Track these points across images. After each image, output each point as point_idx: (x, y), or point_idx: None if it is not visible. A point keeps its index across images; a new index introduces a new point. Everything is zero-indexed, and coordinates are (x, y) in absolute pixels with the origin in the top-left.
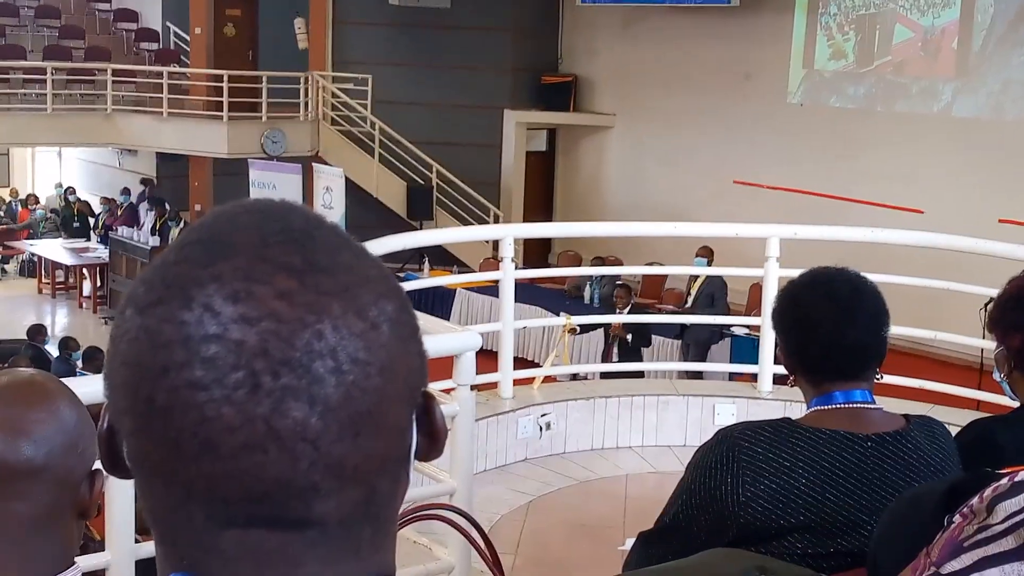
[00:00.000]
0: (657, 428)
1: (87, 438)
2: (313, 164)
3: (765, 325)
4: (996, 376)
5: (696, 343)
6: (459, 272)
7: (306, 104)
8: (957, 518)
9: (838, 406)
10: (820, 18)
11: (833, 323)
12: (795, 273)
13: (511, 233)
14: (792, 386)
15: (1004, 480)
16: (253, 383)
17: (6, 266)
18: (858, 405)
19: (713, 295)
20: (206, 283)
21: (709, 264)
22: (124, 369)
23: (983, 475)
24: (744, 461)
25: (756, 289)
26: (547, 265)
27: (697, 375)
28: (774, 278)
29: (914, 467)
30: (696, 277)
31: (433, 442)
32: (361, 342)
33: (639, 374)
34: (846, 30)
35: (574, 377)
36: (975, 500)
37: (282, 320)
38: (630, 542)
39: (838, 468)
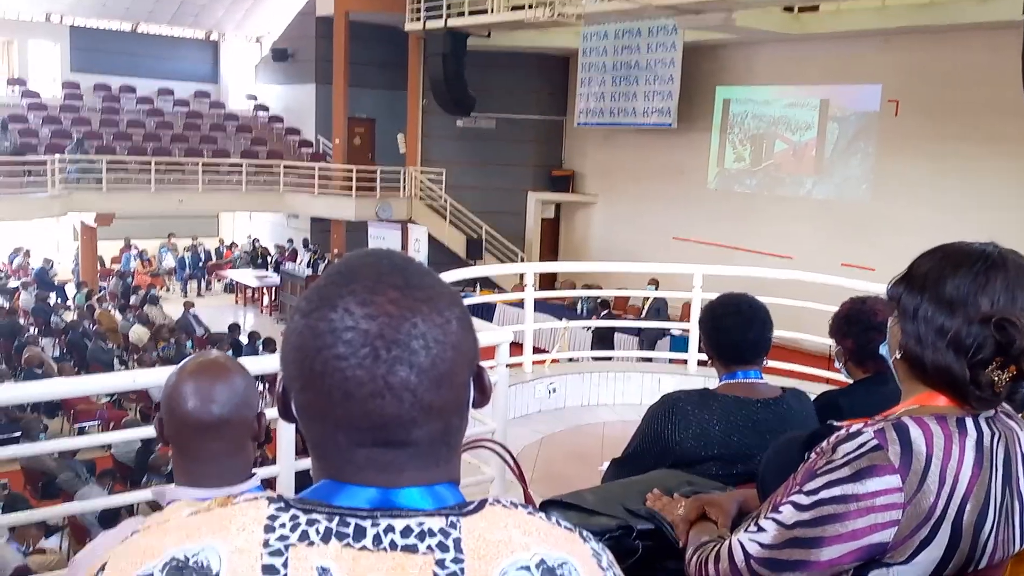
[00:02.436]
0: (624, 393)
1: (253, 395)
2: (408, 224)
3: (693, 329)
4: (837, 364)
5: (648, 339)
6: (498, 293)
7: (404, 187)
8: (813, 455)
9: (739, 381)
10: (727, 136)
11: (737, 328)
12: (713, 296)
13: (532, 269)
14: (709, 367)
15: (843, 431)
16: (375, 355)
17: (216, 285)
18: (752, 380)
19: (659, 309)
20: (344, 296)
21: (656, 289)
22: (294, 351)
23: (830, 427)
24: (679, 414)
25: (687, 306)
26: (554, 288)
27: (648, 359)
28: (698, 299)
29: (786, 421)
30: (647, 297)
31: (483, 396)
32: (440, 330)
33: (609, 357)
34: (744, 143)
35: (570, 359)
36: (825, 444)
37: (392, 316)
38: (606, 464)
39: (739, 420)
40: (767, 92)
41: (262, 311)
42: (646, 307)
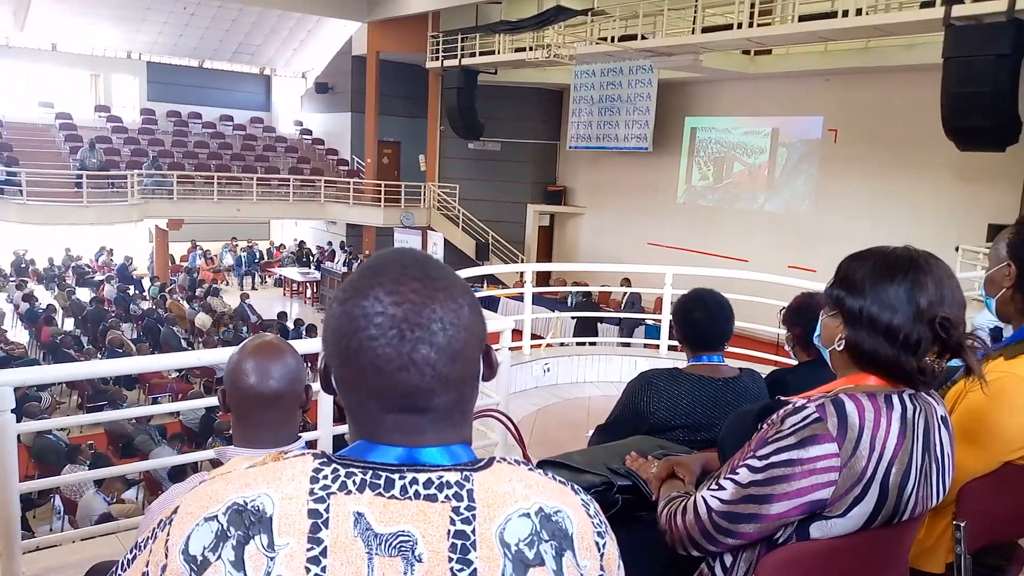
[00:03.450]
0: (606, 372)
1: (302, 371)
2: (427, 230)
3: (664, 319)
4: (787, 348)
5: (627, 327)
6: (502, 288)
7: (424, 199)
8: (765, 425)
9: (704, 363)
10: (694, 158)
11: (704, 318)
12: (681, 292)
13: (530, 268)
14: (679, 351)
15: (789, 405)
16: (400, 335)
17: (268, 280)
18: (715, 363)
19: (634, 302)
20: (375, 286)
21: (629, 286)
22: (333, 333)
23: (779, 402)
24: (653, 388)
25: (659, 300)
26: (548, 285)
27: (626, 344)
28: (669, 294)
29: (743, 396)
30: (625, 292)
31: (491, 370)
32: (455, 314)
33: (594, 343)
34: (708, 164)
35: (561, 344)
36: (774, 416)
37: (415, 303)
38: (591, 431)
39: (703, 395)
40: (727, 122)
41: (305, 302)
42: (624, 300)
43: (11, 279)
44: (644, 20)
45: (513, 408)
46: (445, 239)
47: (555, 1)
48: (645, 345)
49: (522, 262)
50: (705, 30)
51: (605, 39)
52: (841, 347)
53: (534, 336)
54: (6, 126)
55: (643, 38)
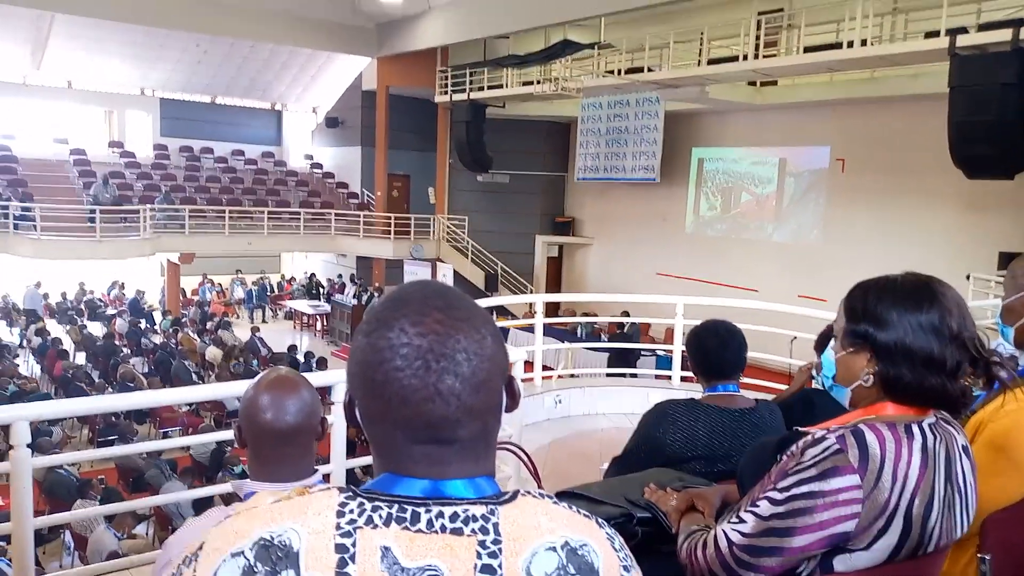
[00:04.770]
0: (618, 403)
1: (317, 405)
2: (437, 262)
3: (676, 349)
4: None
5: (628, 358)
6: (511, 319)
7: (433, 231)
8: (784, 457)
9: (720, 393)
10: (702, 188)
11: (718, 349)
12: (692, 323)
13: (541, 299)
14: (691, 382)
15: (808, 437)
16: (426, 366)
17: (278, 313)
18: (731, 393)
19: (631, 334)
20: (399, 318)
21: (629, 317)
22: (358, 365)
23: (797, 433)
24: (669, 419)
25: (670, 330)
26: (557, 315)
27: (634, 375)
28: (680, 324)
29: (760, 428)
30: (624, 323)
31: (513, 400)
32: (478, 344)
33: (635, 374)
34: (716, 195)
35: (572, 375)
36: (794, 447)
37: (439, 334)
38: (606, 464)
39: (720, 426)
40: (735, 152)
41: (316, 335)
42: (626, 331)
43: (23, 314)
44: (650, 53)
45: (526, 440)
46: (455, 271)
47: (562, 35)
48: (656, 376)
49: (531, 293)
50: (711, 62)
51: (612, 72)
52: (869, 383)
53: (546, 368)
54: (22, 162)
55: (649, 70)
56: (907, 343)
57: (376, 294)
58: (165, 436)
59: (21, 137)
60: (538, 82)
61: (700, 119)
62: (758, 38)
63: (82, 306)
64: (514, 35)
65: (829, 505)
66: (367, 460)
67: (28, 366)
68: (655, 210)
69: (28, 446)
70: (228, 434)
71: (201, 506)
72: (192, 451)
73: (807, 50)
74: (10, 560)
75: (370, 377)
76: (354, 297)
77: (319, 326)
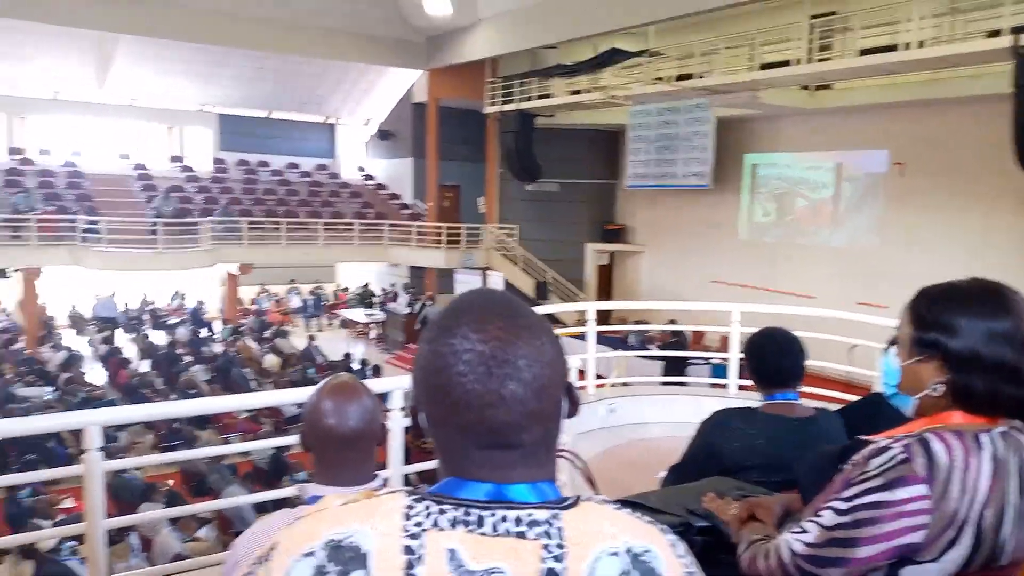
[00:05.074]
0: (672, 412)
1: (378, 410)
2: (487, 271)
3: (732, 358)
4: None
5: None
6: (561, 327)
7: (484, 240)
8: (848, 466)
9: (779, 401)
10: (755, 195)
11: (776, 356)
12: (749, 331)
13: (592, 307)
14: (747, 391)
15: (872, 446)
16: (488, 372)
17: (334, 322)
18: (790, 401)
19: (679, 340)
20: (461, 326)
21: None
22: (423, 372)
23: (860, 442)
24: (728, 428)
25: (725, 338)
26: (608, 323)
27: (683, 383)
28: (736, 332)
29: (820, 437)
30: (672, 331)
31: (573, 406)
32: (539, 351)
33: (667, 383)
34: (770, 201)
35: (625, 384)
36: (858, 456)
37: (501, 340)
38: (663, 473)
39: (780, 435)
40: (789, 158)
41: (370, 343)
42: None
43: (92, 323)
44: (700, 59)
45: (579, 449)
46: (505, 279)
47: (610, 44)
48: (712, 385)
49: (582, 300)
50: (763, 67)
51: (661, 79)
52: (939, 392)
53: (599, 376)
54: (88, 178)
55: (700, 77)
56: (979, 351)
57: (428, 303)
58: (226, 442)
59: (87, 153)
60: (587, 91)
61: (752, 124)
62: (811, 42)
63: (145, 316)
64: (562, 45)
65: (895, 515)
66: (423, 466)
67: (94, 374)
68: (707, 217)
69: (100, 449)
70: (289, 440)
71: (263, 510)
72: (252, 456)
73: (863, 52)
74: (82, 559)
75: (433, 383)
76: (407, 306)
77: (373, 335)
